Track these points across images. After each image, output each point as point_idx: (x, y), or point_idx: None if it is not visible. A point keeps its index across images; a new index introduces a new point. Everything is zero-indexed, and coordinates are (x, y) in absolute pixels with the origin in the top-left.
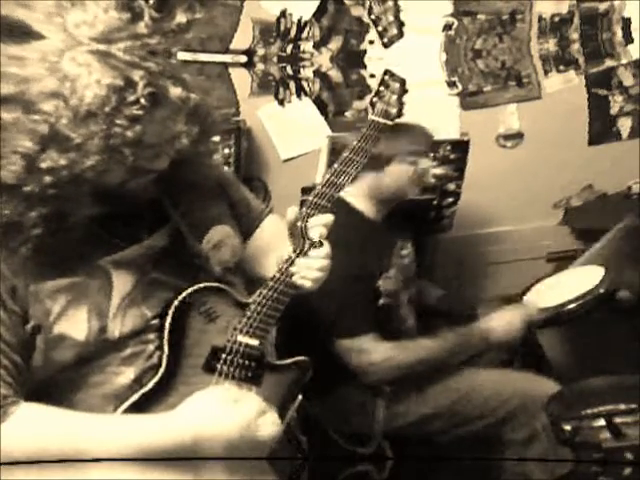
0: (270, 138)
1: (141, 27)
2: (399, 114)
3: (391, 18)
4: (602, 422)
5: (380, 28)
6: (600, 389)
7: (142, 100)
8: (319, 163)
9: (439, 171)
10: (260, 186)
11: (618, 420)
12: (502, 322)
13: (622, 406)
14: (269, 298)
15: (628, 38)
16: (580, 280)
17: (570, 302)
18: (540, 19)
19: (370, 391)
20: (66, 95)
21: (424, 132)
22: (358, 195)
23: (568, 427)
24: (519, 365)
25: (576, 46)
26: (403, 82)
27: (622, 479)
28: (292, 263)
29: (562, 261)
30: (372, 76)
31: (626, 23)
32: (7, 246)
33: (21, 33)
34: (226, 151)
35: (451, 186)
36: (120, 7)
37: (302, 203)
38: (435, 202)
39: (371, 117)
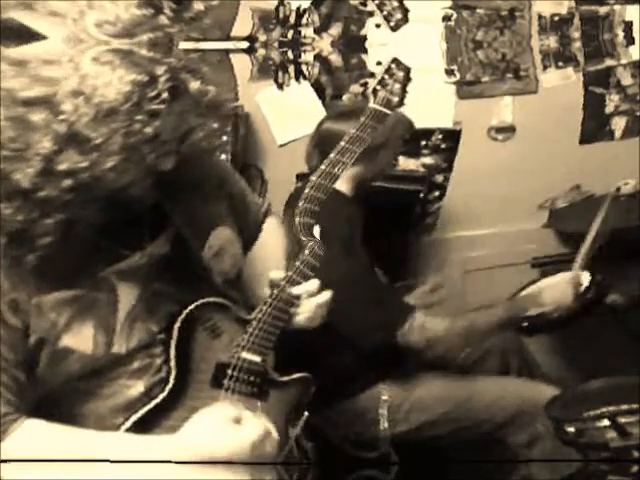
0: (267, 123)
1: (162, 19)
2: (400, 103)
3: (395, 3)
4: (606, 422)
5: (385, 13)
6: (600, 390)
7: (163, 94)
8: None
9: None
10: (257, 174)
11: (622, 420)
12: (555, 292)
13: (624, 406)
14: (269, 315)
15: (629, 39)
16: None
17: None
18: (540, 17)
19: (369, 402)
20: (87, 93)
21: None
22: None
23: (571, 429)
24: (514, 375)
25: (577, 44)
26: (408, 71)
27: (630, 476)
28: (289, 280)
29: (547, 267)
30: (379, 63)
31: (628, 25)
32: (10, 255)
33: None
34: (224, 138)
35: (439, 178)
36: (141, 5)
37: (297, 190)
38: (422, 194)
39: (371, 105)
